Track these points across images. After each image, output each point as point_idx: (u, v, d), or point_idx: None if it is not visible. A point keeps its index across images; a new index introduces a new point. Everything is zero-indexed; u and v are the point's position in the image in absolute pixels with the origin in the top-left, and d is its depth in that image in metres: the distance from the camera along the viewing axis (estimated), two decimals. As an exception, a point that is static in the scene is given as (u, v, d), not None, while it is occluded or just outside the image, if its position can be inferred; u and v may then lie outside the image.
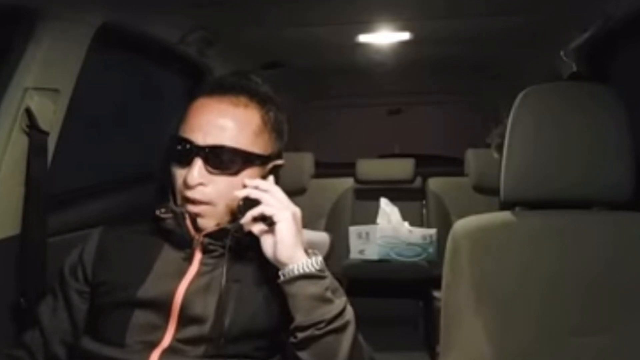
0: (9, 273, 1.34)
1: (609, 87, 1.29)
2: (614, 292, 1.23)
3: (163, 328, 1.09)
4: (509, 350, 1.23)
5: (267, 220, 1.08)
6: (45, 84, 1.38)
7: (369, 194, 3.41)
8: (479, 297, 1.24)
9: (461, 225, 1.28)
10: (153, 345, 1.08)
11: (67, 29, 1.40)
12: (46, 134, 1.39)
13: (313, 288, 1.05)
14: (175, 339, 1.08)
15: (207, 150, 1.10)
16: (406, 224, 3.04)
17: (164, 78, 2.40)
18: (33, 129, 1.36)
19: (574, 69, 2.14)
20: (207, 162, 1.10)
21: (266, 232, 1.09)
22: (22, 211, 1.36)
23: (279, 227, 1.06)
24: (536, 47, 2.31)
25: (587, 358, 1.22)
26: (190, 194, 1.11)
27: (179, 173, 1.13)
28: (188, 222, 1.12)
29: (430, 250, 2.97)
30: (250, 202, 1.09)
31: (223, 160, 1.11)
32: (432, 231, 3.01)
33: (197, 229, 1.13)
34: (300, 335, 1.04)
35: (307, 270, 1.05)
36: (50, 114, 1.41)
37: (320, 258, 1.09)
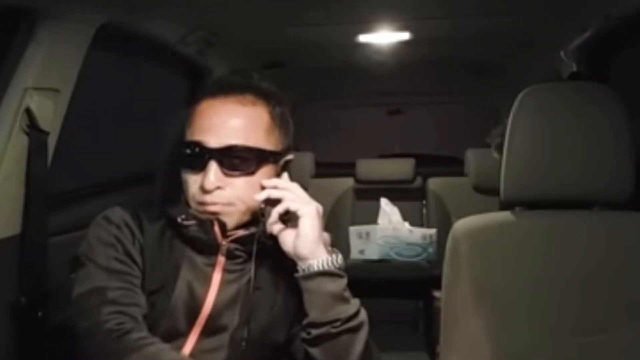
0: (9, 273, 1.34)
1: (609, 87, 1.29)
2: (614, 292, 1.23)
3: (185, 336, 1.08)
4: (509, 350, 1.23)
5: (289, 216, 1.07)
6: (45, 84, 1.38)
7: (369, 194, 3.40)
8: (478, 297, 1.24)
9: (461, 225, 1.28)
10: None
11: (67, 29, 1.40)
12: (46, 133, 1.39)
13: (332, 286, 1.05)
14: (196, 348, 1.07)
15: (220, 151, 1.06)
16: (406, 224, 3.04)
17: (164, 78, 2.40)
18: (33, 128, 1.36)
19: (574, 69, 2.14)
20: (222, 164, 1.06)
21: (288, 227, 1.08)
22: (22, 211, 1.36)
23: (302, 221, 1.05)
24: (536, 47, 2.31)
25: (587, 358, 1.21)
26: (208, 198, 1.07)
27: (193, 179, 1.08)
28: (216, 229, 1.08)
29: (430, 250, 2.96)
30: (271, 203, 1.08)
31: (238, 160, 1.07)
32: (432, 231, 3.01)
33: (224, 235, 1.10)
34: (314, 331, 1.04)
35: (327, 267, 1.05)
36: (50, 114, 1.41)
37: (340, 257, 1.08)
